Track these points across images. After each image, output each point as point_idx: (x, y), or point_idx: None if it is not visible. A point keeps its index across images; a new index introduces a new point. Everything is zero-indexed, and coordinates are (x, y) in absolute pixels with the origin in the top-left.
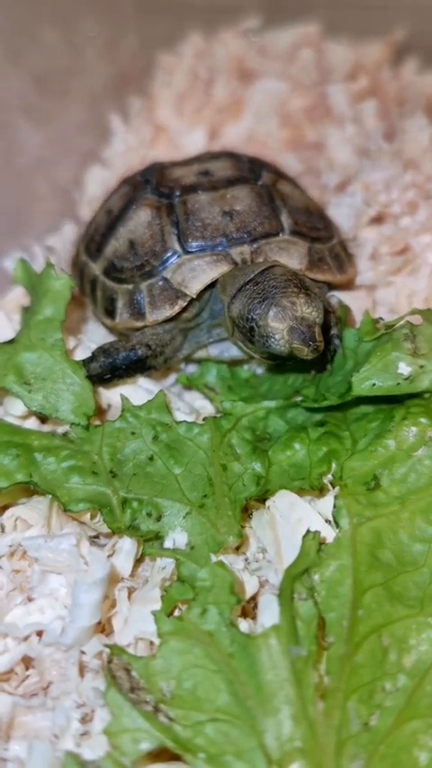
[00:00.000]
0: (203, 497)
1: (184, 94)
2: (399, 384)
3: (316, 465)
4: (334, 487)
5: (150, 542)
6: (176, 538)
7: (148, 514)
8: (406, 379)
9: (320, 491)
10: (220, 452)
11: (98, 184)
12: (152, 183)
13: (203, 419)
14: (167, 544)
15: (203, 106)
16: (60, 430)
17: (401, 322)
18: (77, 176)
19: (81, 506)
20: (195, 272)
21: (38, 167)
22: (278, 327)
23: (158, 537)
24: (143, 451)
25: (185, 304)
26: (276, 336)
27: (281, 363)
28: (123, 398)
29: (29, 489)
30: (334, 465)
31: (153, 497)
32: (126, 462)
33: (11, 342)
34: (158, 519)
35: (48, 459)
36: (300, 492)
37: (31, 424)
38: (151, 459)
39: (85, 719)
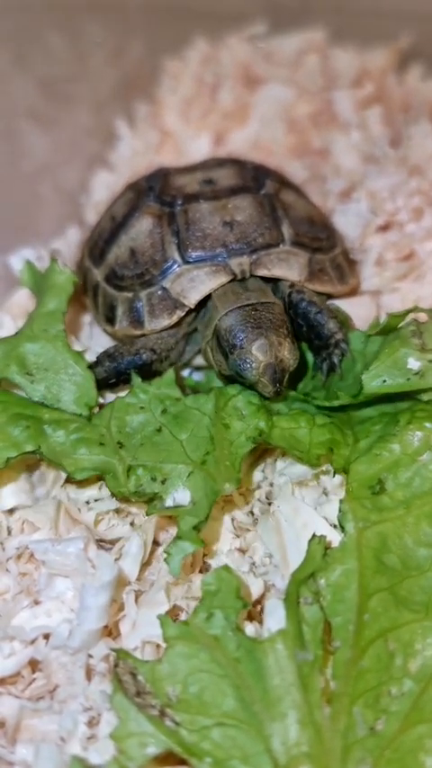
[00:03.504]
0: (205, 455)
1: (189, 100)
2: (409, 379)
3: (315, 446)
4: (340, 491)
5: (153, 504)
6: (177, 496)
7: (153, 479)
8: (416, 374)
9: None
10: (222, 413)
11: (104, 189)
12: (156, 190)
13: (210, 389)
14: (168, 503)
15: (209, 112)
16: None
17: (407, 319)
18: (84, 181)
19: (86, 474)
20: (194, 283)
21: (44, 172)
22: (258, 358)
23: (162, 498)
24: (151, 423)
25: (183, 314)
26: (253, 365)
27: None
28: (133, 375)
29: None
30: (336, 466)
31: (158, 463)
32: (134, 435)
33: (14, 335)
34: (163, 482)
35: (57, 432)
36: (298, 460)
37: None
38: (159, 430)
39: (91, 723)
